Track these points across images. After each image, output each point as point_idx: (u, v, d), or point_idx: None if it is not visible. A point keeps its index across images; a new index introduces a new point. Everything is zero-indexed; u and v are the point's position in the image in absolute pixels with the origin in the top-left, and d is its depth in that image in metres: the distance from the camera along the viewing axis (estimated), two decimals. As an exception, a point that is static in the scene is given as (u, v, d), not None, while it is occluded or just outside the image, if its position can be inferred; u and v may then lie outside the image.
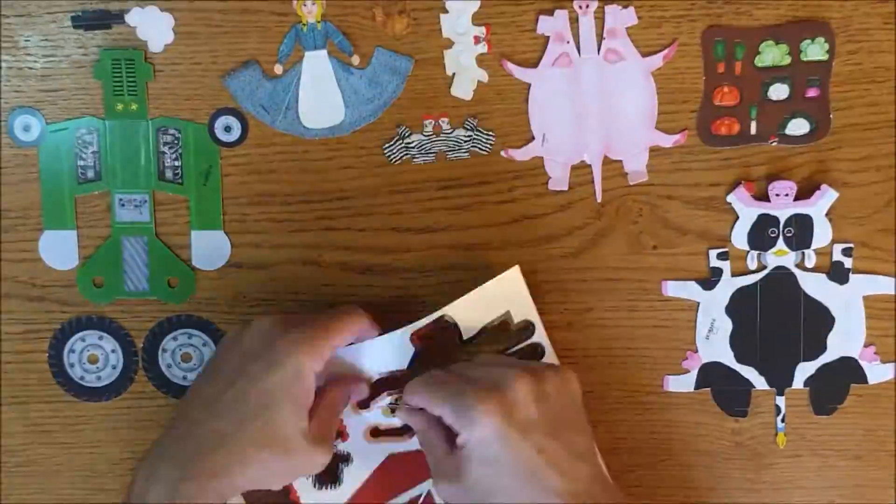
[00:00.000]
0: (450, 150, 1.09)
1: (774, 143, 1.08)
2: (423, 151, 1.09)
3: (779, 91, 1.08)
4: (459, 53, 1.07)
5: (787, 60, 1.07)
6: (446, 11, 1.07)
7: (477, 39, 1.07)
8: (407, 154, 1.09)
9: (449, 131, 1.09)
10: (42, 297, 1.12)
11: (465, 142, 1.09)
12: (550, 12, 1.06)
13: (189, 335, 1.12)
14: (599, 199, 1.09)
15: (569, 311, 1.11)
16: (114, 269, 1.11)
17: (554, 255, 1.11)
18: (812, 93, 1.07)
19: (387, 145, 1.09)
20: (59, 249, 1.11)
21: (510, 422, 0.92)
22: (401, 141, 1.09)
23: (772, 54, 1.07)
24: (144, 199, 1.10)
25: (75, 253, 1.11)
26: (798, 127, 1.08)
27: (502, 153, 1.09)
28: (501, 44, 1.08)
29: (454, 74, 1.08)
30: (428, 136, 1.09)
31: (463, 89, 1.08)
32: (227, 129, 1.09)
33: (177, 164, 1.10)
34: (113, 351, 1.12)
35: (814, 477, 1.13)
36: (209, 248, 1.11)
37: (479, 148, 1.09)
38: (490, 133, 1.09)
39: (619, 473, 1.13)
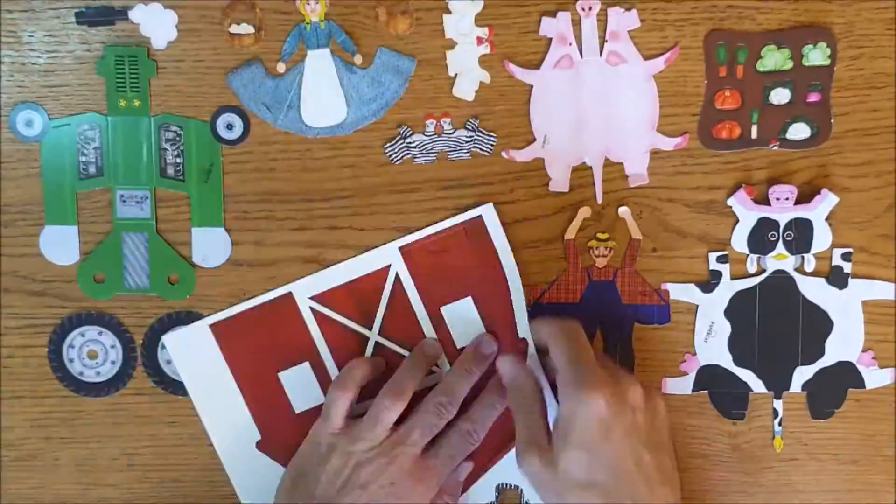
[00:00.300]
0: (451, 151, 1.09)
1: (775, 148, 1.08)
2: (424, 151, 1.09)
3: (780, 95, 1.08)
4: (462, 54, 1.07)
5: (789, 65, 1.07)
6: (449, 12, 1.07)
7: (480, 40, 1.07)
8: (408, 154, 1.09)
9: (450, 131, 1.09)
10: (42, 292, 1.12)
11: (467, 142, 1.09)
12: (553, 14, 1.07)
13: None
14: (600, 201, 1.10)
15: (568, 312, 1.11)
16: (114, 265, 1.11)
17: (554, 257, 1.11)
18: (813, 97, 1.07)
19: (388, 145, 1.09)
20: (60, 244, 1.11)
21: (618, 418, 0.95)
22: (402, 140, 1.09)
23: (773, 58, 1.07)
24: (146, 195, 1.10)
25: (76, 248, 1.11)
26: (799, 131, 1.08)
27: (503, 154, 1.09)
28: (504, 45, 1.08)
29: (456, 75, 1.08)
30: (429, 136, 1.09)
31: (465, 90, 1.08)
32: (229, 126, 1.09)
33: (178, 160, 1.10)
34: (112, 346, 1.12)
35: (811, 481, 1.13)
36: (210, 245, 1.11)
37: (481, 148, 1.09)
38: (491, 134, 1.09)
39: (617, 475, 1.14)
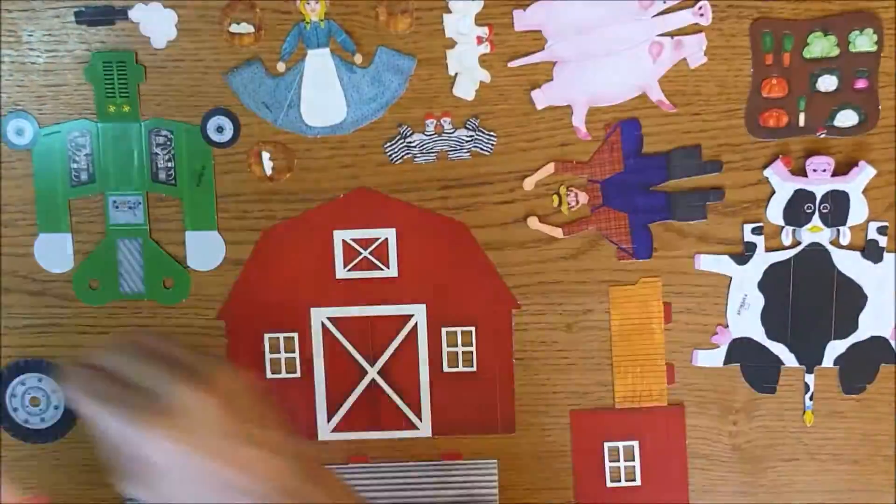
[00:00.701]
0: (451, 150, 1.09)
1: (823, 135, 1.08)
2: (424, 151, 1.09)
3: (827, 82, 1.07)
4: (462, 54, 1.07)
5: (836, 51, 1.06)
6: (450, 11, 1.07)
7: (480, 40, 1.07)
8: (408, 153, 1.09)
9: (451, 131, 1.09)
10: (42, 291, 1.12)
11: (467, 142, 1.09)
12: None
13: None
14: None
15: (568, 313, 1.11)
16: (109, 271, 1.11)
17: (554, 256, 1.11)
18: (861, 84, 1.07)
19: (388, 144, 1.09)
20: (54, 253, 1.11)
21: (184, 437, 0.83)
22: (402, 140, 1.09)
23: (820, 45, 1.06)
24: (138, 200, 1.10)
25: (70, 256, 1.11)
26: (847, 118, 1.07)
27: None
28: (504, 44, 1.07)
29: (457, 74, 1.08)
30: (430, 135, 1.09)
31: (465, 90, 1.07)
32: (220, 129, 1.09)
33: (170, 165, 1.09)
34: (54, 391, 1.13)
35: (811, 481, 1.13)
36: (204, 249, 1.11)
37: (481, 148, 1.09)
38: (492, 133, 1.09)
39: (618, 474, 1.15)
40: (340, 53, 1.07)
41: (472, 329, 1.12)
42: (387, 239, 1.10)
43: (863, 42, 1.06)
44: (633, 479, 1.14)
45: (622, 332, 1.12)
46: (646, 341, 1.12)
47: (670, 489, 1.14)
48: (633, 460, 1.13)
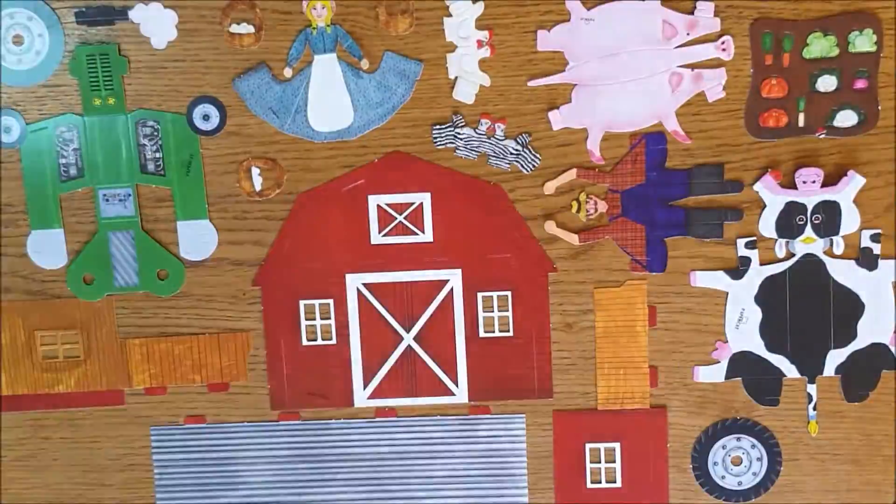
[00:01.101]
0: (494, 156, 1.07)
1: (822, 136, 1.07)
2: (468, 147, 1.07)
3: (827, 83, 1.05)
4: (462, 58, 1.05)
5: (836, 52, 1.05)
6: (450, 15, 1.05)
7: (480, 44, 1.05)
8: (453, 143, 1.07)
9: (501, 138, 1.07)
10: (43, 291, 1.11)
11: (512, 154, 1.07)
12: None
13: None
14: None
15: (567, 313, 1.11)
16: (103, 264, 1.10)
17: (553, 256, 1.10)
18: (860, 84, 1.06)
19: (438, 127, 1.07)
20: (47, 249, 1.10)
21: None
22: (452, 128, 1.07)
23: (820, 46, 1.04)
24: (128, 192, 1.09)
25: (63, 251, 1.10)
26: (846, 118, 1.06)
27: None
28: (504, 45, 1.06)
29: (457, 78, 1.06)
30: (479, 134, 1.07)
31: (464, 93, 1.06)
32: (206, 117, 1.07)
33: (158, 155, 1.08)
34: None
35: (811, 481, 1.15)
36: (195, 238, 1.10)
37: (522, 165, 1.08)
38: (537, 155, 1.07)
39: (619, 473, 1.15)
40: (347, 59, 1.05)
41: (508, 293, 1.11)
42: (422, 203, 1.09)
43: (862, 42, 1.05)
44: (614, 481, 1.15)
45: (606, 334, 1.12)
46: (630, 344, 1.12)
47: (650, 492, 1.15)
48: (614, 462, 1.14)
